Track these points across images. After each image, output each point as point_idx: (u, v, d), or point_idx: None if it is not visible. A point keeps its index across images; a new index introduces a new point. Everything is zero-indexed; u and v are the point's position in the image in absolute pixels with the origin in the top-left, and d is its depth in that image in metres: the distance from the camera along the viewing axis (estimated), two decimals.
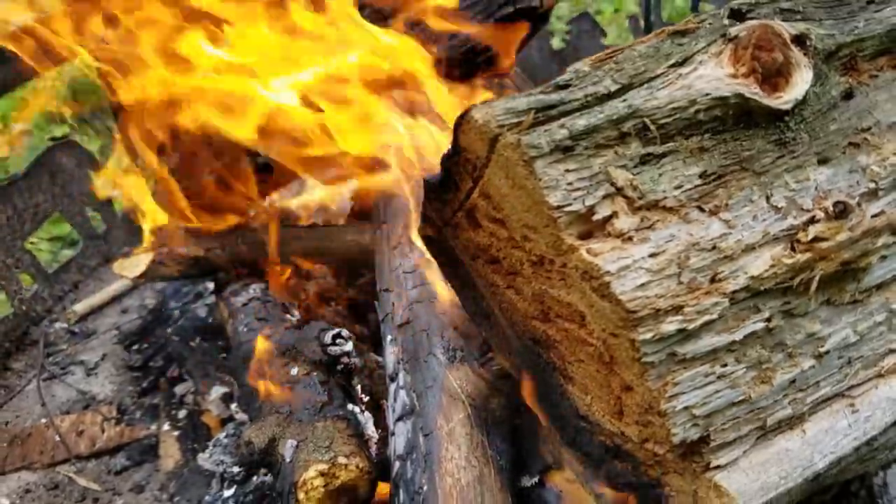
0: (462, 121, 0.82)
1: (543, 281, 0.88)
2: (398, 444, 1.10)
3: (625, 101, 0.81)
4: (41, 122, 3.32)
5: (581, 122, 0.79)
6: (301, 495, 0.97)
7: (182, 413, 1.54)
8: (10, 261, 1.79)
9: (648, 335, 0.78)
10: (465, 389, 1.10)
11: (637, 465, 0.96)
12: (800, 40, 0.86)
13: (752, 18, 0.89)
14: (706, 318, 0.80)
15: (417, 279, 1.21)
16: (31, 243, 1.91)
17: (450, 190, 0.94)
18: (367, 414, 1.12)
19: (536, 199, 0.79)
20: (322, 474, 0.99)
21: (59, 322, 1.89)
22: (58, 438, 1.59)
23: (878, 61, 0.94)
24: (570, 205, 0.78)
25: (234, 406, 1.41)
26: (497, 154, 0.80)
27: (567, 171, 0.78)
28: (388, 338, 1.20)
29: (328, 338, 1.20)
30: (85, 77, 3.54)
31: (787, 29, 0.85)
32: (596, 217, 0.79)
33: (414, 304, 1.19)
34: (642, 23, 2.25)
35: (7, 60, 1.75)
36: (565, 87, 0.81)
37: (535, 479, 1.11)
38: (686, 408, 0.83)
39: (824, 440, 0.91)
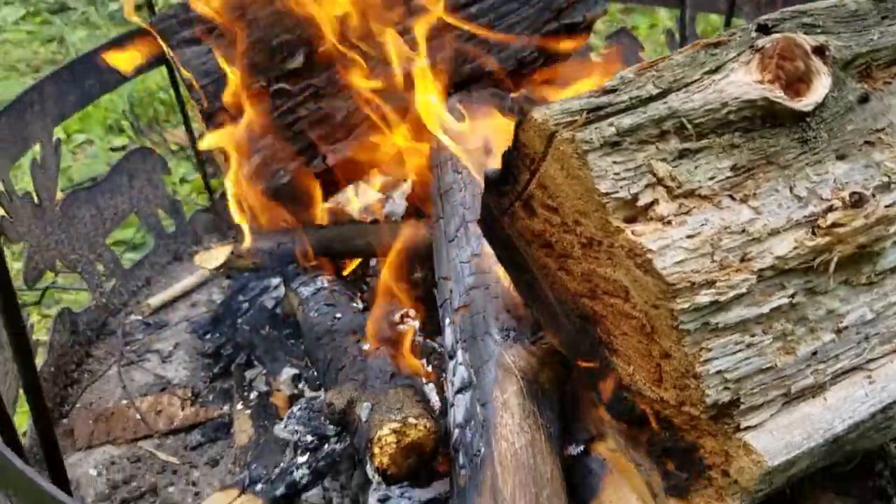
0: (522, 120, 0.95)
1: (592, 261, 1.00)
2: (457, 414, 1.22)
3: (665, 103, 0.93)
4: (101, 133, 3.51)
5: (627, 121, 0.92)
6: (376, 450, 1.10)
7: (253, 395, 1.68)
8: (93, 256, 1.95)
9: (685, 305, 0.90)
10: (518, 365, 1.23)
11: (675, 431, 1.07)
12: (820, 51, 0.98)
13: (777, 32, 1.01)
14: (736, 291, 0.92)
15: (473, 268, 1.34)
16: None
17: (508, 182, 1.07)
18: (430, 385, 1.26)
19: (588, 187, 0.92)
20: (394, 432, 1.12)
21: (134, 314, 2.05)
22: (138, 417, 1.74)
23: (892, 69, 1.06)
24: (617, 192, 0.91)
25: (302, 385, 1.55)
26: (554, 148, 0.93)
27: (615, 163, 0.91)
28: (447, 321, 1.33)
29: (396, 317, 1.34)
30: (140, 93, 3.73)
31: (808, 41, 0.97)
32: (639, 203, 0.92)
33: (471, 290, 1.32)
34: (678, 37, 2.37)
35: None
36: (612, 91, 0.94)
37: (581, 448, 1.23)
38: (718, 371, 0.94)
39: (843, 406, 1.02)
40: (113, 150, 3.48)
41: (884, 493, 1.33)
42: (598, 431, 1.25)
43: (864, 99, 1.01)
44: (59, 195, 1.85)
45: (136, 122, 3.54)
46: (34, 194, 1.77)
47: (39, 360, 1.77)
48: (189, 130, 2.25)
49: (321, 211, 1.70)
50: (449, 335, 1.32)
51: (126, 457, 1.67)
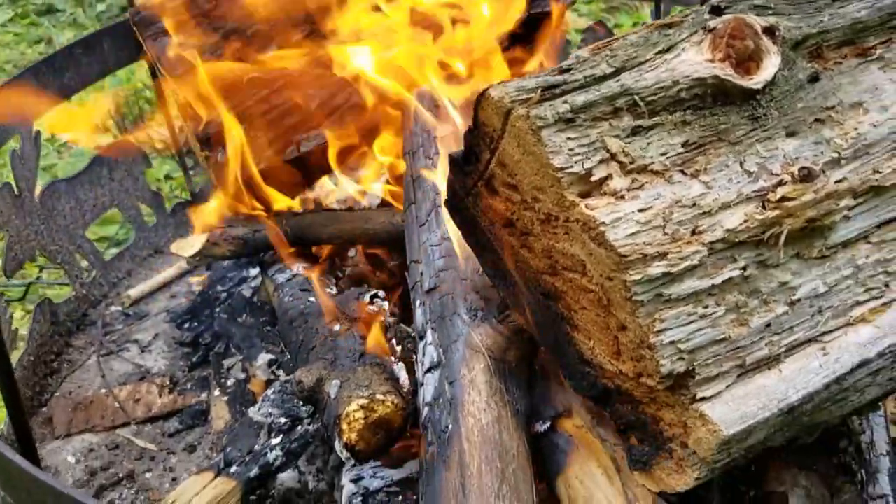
0: (481, 98, 0.98)
1: (551, 237, 1.03)
2: (427, 392, 1.25)
3: (618, 81, 0.96)
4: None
5: (581, 98, 0.94)
6: (344, 426, 1.13)
7: (230, 382, 1.71)
8: (73, 247, 1.97)
9: (638, 276, 0.93)
10: (486, 343, 1.25)
11: (636, 405, 1.10)
12: (770, 31, 1.01)
13: (729, 13, 1.04)
14: (688, 263, 0.95)
15: (443, 251, 1.37)
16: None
17: (471, 162, 1.09)
18: (400, 364, 1.28)
19: (543, 163, 0.94)
20: (362, 408, 1.14)
21: (114, 305, 2.07)
22: (117, 405, 1.76)
23: (843, 50, 1.09)
24: (571, 167, 0.93)
25: (278, 370, 1.58)
26: (510, 125, 0.96)
27: (569, 138, 0.93)
28: (418, 302, 1.36)
29: (367, 298, 1.36)
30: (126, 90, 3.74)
31: (758, 21, 1.00)
32: (593, 178, 0.94)
33: (440, 272, 1.35)
34: None
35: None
36: (568, 70, 0.97)
37: (547, 425, 1.26)
38: (672, 342, 0.97)
39: (798, 378, 1.04)
40: (100, 148, 3.49)
41: (848, 468, 1.36)
42: (565, 408, 1.27)
43: (814, 78, 1.04)
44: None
45: (122, 121, 3.56)
46: (14, 185, 1.79)
47: (20, 352, 1.79)
48: (170, 127, 2.27)
49: (297, 200, 1.73)
50: (419, 316, 1.34)
51: (104, 444, 1.69)
